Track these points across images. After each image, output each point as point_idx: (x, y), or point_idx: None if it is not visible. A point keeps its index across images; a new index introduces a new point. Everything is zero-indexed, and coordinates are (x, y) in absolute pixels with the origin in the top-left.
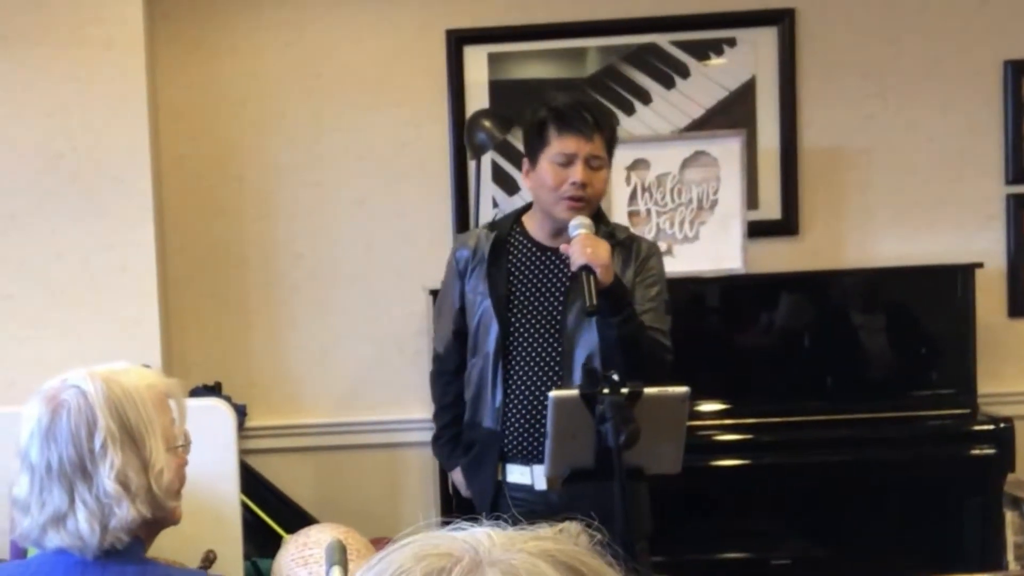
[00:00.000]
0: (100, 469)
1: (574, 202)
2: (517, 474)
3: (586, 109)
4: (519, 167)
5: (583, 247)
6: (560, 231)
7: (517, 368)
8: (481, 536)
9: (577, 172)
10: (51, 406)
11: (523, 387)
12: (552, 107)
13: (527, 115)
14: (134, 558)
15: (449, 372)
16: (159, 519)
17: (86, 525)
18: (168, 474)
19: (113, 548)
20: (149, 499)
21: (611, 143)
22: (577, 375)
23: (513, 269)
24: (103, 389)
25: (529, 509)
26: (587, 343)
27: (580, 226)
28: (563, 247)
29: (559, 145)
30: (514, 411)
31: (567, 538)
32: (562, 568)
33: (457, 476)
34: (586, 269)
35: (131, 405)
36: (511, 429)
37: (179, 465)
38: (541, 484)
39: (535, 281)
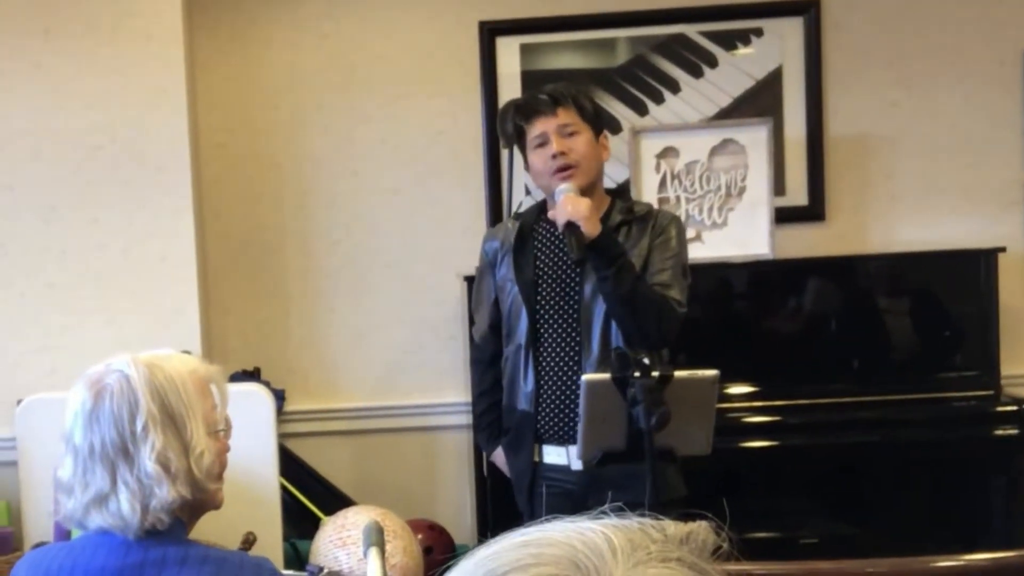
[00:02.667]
0: (141, 450)
1: (562, 171)
2: (554, 455)
3: (542, 93)
4: None
5: (564, 206)
6: None
7: (547, 350)
8: (602, 544)
9: (552, 144)
10: (95, 390)
11: (553, 369)
12: (515, 106)
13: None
14: (176, 539)
15: (485, 361)
16: (200, 501)
17: (127, 506)
18: (208, 457)
19: (154, 528)
20: (189, 481)
21: (582, 110)
22: (595, 347)
23: (539, 255)
24: (146, 373)
25: (564, 489)
26: (601, 311)
27: (563, 191)
28: (550, 214)
29: (531, 133)
30: (546, 393)
31: (694, 548)
32: None
33: (499, 459)
34: (570, 224)
35: (172, 389)
36: (544, 410)
37: (220, 450)
38: (577, 464)
39: (559, 264)
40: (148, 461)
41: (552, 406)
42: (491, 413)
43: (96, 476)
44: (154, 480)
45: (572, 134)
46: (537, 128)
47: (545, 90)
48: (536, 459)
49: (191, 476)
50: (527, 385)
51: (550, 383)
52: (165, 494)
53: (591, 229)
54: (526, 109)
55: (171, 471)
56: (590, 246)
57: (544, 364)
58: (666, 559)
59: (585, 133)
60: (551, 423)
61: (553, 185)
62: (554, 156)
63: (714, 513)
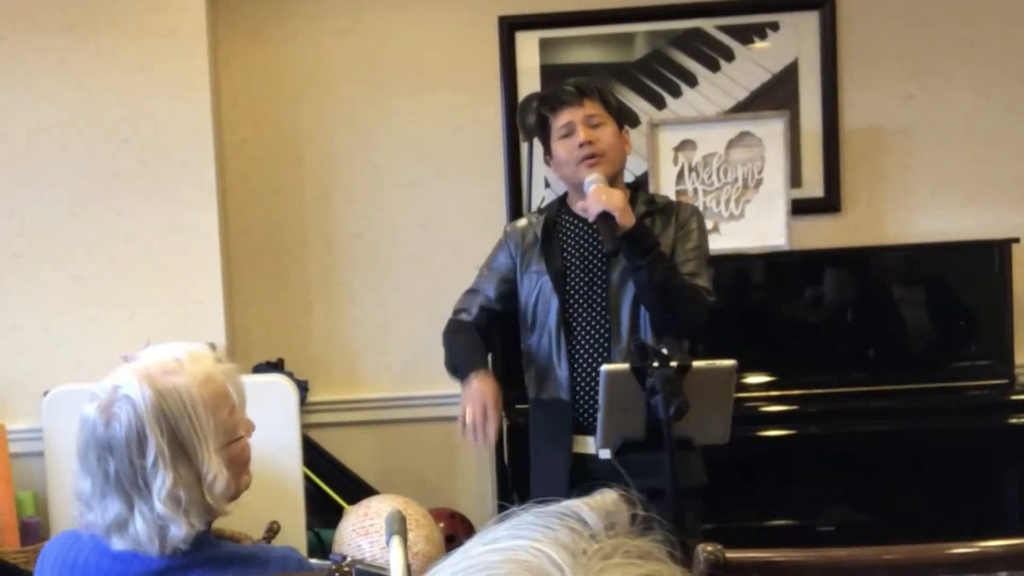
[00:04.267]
0: (153, 487)
1: (589, 159)
2: (581, 444)
3: (568, 84)
4: None
5: (598, 196)
6: None
7: (578, 339)
8: (545, 565)
9: (579, 134)
10: (104, 417)
11: (585, 358)
12: (540, 97)
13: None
14: (200, 543)
15: (470, 321)
16: (219, 516)
17: (145, 535)
18: (222, 480)
19: (176, 553)
20: (203, 511)
21: (607, 103)
22: (625, 336)
23: (565, 245)
24: (153, 400)
25: (593, 478)
26: (629, 301)
27: (593, 181)
28: (579, 204)
29: (557, 123)
30: (580, 381)
31: (621, 529)
32: None
33: (482, 382)
34: (604, 215)
35: (181, 414)
36: (581, 399)
37: (242, 449)
38: (604, 453)
39: (585, 254)
40: (158, 502)
41: (588, 394)
42: (470, 334)
43: (113, 503)
44: (167, 519)
45: (598, 125)
46: (563, 118)
47: (571, 82)
48: (577, 450)
49: (204, 506)
50: (562, 372)
51: (583, 372)
52: (179, 530)
53: (626, 220)
54: (552, 100)
55: (182, 507)
56: (625, 236)
57: (576, 353)
58: (607, 556)
59: (610, 125)
60: (587, 411)
61: (579, 175)
62: (581, 145)
63: (732, 501)
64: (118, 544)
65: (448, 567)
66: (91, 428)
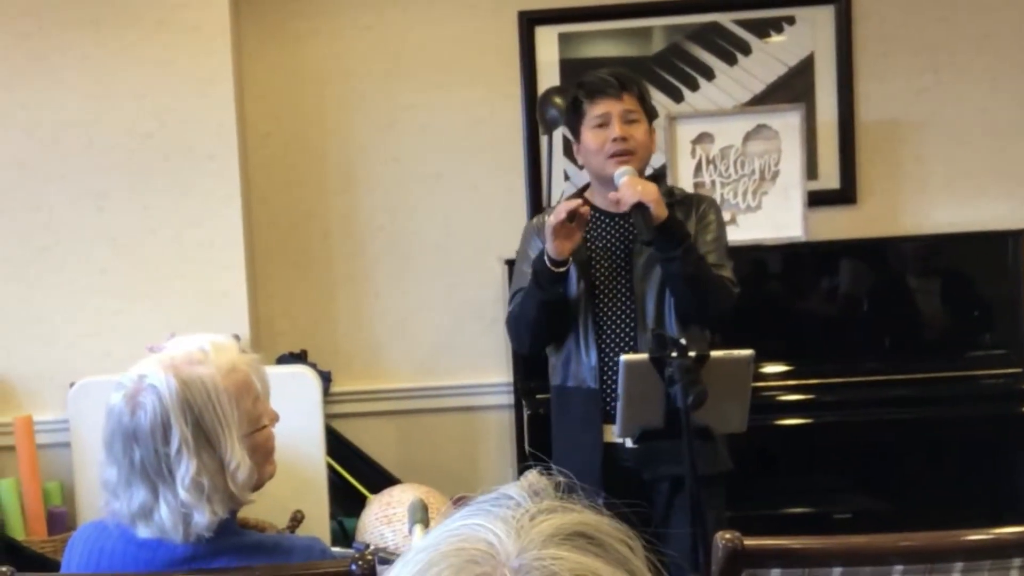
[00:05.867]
0: (177, 475)
1: (619, 156)
2: (609, 433)
3: (610, 75)
4: None
5: (632, 187)
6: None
7: (605, 328)
8: (492, 539)
9: (615, 128)
10: (130, 406)
11: (611, 347)
12: (580, 83)
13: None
14: (226, 531)
15: None
16: (242, 505)
17: (170, 522)
18: (245, 469)
19: (200, 540)
20: (226, 498)
21: (643, 100)
22: (651, 325)
23: (587, 236)
24: (178, 390)
25: (622, 467)
26: (654, 289)
27: (624, 173)
28: (611, 195)
29: (593, 111)
30: (608, 370)
31: (547, 495)
32: (570, 542)
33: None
34: (639, 206)
35: (206, 403)
36: (608, 387)
37: (265, 438)
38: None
39: (608, 245)
40: (182, 489)
41: (614, 383)
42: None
43: (139, 490)
44: (190, 505)
45: (633, 121)
46: (600, 108)
47: (613, 72)
48: (606, 439)
49: (227, 494)
50: (591, 359)
51: (611, 361)
52: (202, 517)
53: (661, 211)
54: (591, 87)
55: (206, 494)
56: (659, 227)
57: (603, 342)
58: (534, 516)
59: (644, 123)
60: (614, 400)
61: (606, 168)
62: (614, 140)
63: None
64: (143, 532)
65: (401, 560)
66: (117, 417)
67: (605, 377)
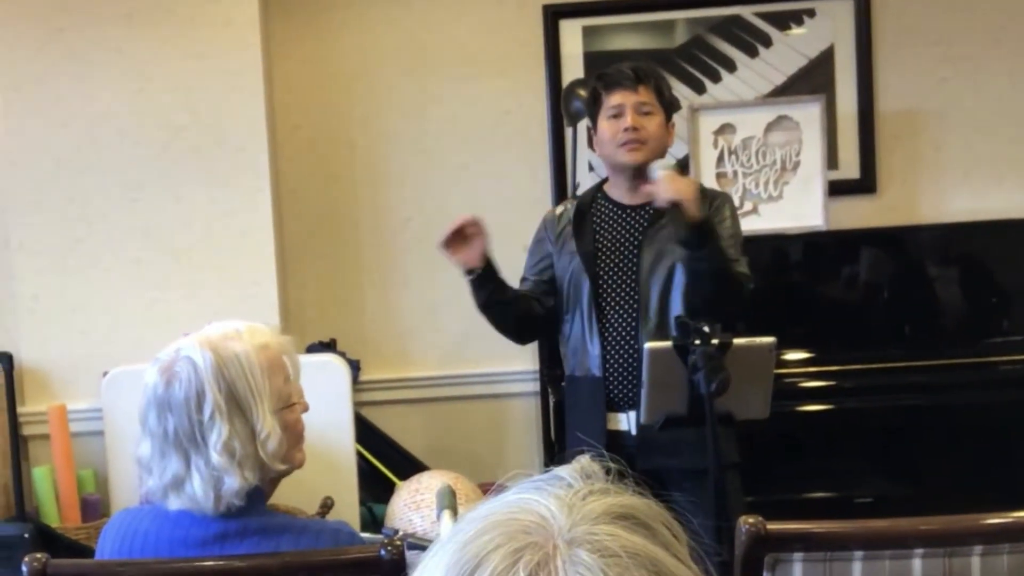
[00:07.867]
0: (209, 439)
1: (630, 145)
2: (624, 422)
3: (628, 67)
4: None
5: (669, 184)
6: (634, 187)
7: (609, 318)
8: (545, 512)
9: (627, 119)
10: (165, 377)
11: (615, 337)
12: (599, 75)
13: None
14: (255, 510)
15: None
16: (274, 478)
17: (201, 491)
18: (275, 439)
19: (230, 510)
20: (257, 466)
21: (660, 93)
22: (653, 317)
23: (598, 228)
24: (211, 360)
25: (621, 455)
26: (659, 283)
27: (662, 167)
28: (644, 188)
29: (609, 102)
30: (611, 358)
31: (598, 478)
32: (622, 521)
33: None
34: (675, 204)
35: (239, 374)
36: (612, 375)
37: (294, 421)
38: (635, 429)
39: (617, 236)
40: (214, 452)
41: (617, 372)
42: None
43: (172, 461)
44: (221, 470)
45: (647, 113)
46: (615, 99)
47: (631, 65)
48: (610, 427)
49: (258, 461)
50: (594, 348)
51: (613, 350)
52: (233, 482)
53: (697, 211)
54: (609, 79)
55: (237, 459)
56: (694, 226)
57: (607, 332)
58: (585, 497)
59: (659, 116)
60: (617, 388)
61: (617, 157)
62: (626, 129)
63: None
64: (175, 503)
65: (454, 528)
66: (152, 389)
67: (608, 366)
